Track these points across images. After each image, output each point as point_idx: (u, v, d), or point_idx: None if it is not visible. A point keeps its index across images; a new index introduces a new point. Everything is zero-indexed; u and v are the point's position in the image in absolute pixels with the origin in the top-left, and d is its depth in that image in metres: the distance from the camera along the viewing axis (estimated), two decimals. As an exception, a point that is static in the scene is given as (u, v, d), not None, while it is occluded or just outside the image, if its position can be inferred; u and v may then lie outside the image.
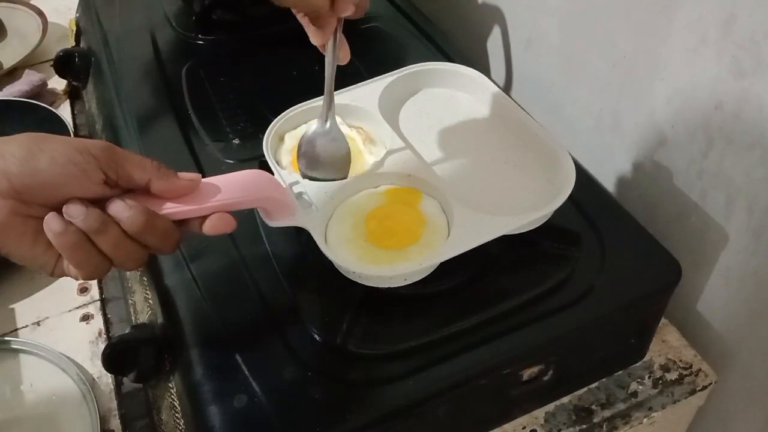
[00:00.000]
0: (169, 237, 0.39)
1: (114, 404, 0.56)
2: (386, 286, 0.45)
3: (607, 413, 0.52)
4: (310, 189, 0.49)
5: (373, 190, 0.51)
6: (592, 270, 0.50)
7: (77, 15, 0.88)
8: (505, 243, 0.47)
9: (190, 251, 0.50)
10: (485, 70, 0.79)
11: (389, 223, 0.49)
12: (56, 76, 0.82)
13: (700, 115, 0.52)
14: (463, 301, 0.47)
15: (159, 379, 0.50)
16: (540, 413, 0.52)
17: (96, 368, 0.58)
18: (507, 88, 0.77)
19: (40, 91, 0.86)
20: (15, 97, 0.83)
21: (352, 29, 0.78)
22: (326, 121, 0.48)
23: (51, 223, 0.37)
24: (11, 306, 0.63)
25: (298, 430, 0.41)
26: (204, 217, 0.40)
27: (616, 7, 0.57)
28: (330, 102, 0.47)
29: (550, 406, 0.52)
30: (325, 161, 0.48)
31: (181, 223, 0.40)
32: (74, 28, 0.88)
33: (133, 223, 0.37)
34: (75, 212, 0.37)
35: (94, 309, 0.63)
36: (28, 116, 0.78)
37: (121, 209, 0.37)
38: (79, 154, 0.36)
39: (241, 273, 0.49)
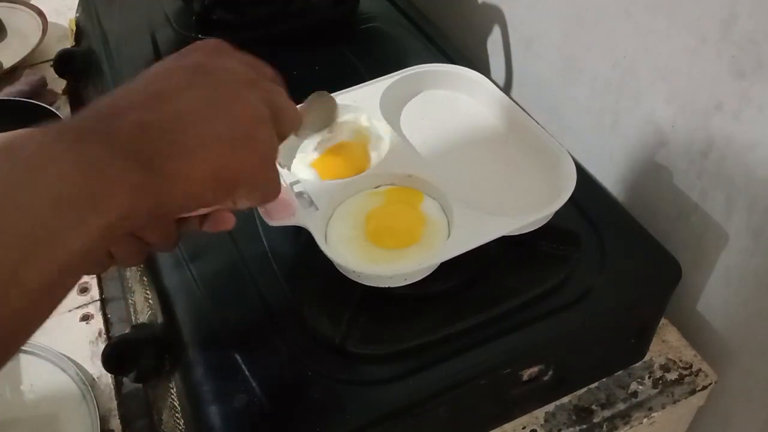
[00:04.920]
0: (168, 235, 0.39)
1: (114, 404, 0.56)
2: (386, 285, 0.45)
3: (607, 413, 0.52)
4: (311, 188, 0.49)
5: (373, 190, 0.51)
6: (592, 270, 0.50)
7: (77, 15, 0.88)
8: (505, 243, 0.47)
9: (190, 251, 0.50)
10: (485, 70, 0.79)
11: (389, 223, 0.49)
12: (56, 76, 0.82)
13: (700, 115, 0.52)
14: (463, 302, 0.47)
15: (159, 379, 0.50)
16: (540, 413, 0.52)
17: (96, 368, 0.58)
18: (507, 88, 0.77)
19: (39, 91, 0.86)
20: (15, 97, 0.83)
21: (352, 29, 0.79)
22: None
23: None
24: (11, 306, 0.63)
25: (298, 430, 0.41)
26: (203, 216, 0.40)
27: (616, 7, 0.57)
28: None
29: (550, 406, 0.52)
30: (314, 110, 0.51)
31: (180, 221, 0.40)
32: (74, 28, 0.88)
33: None
34: None
35: (94, 309, 0.63)
36: (28, 116, 0.78)
37: None
38: None
39: (241, 273, 0.49)
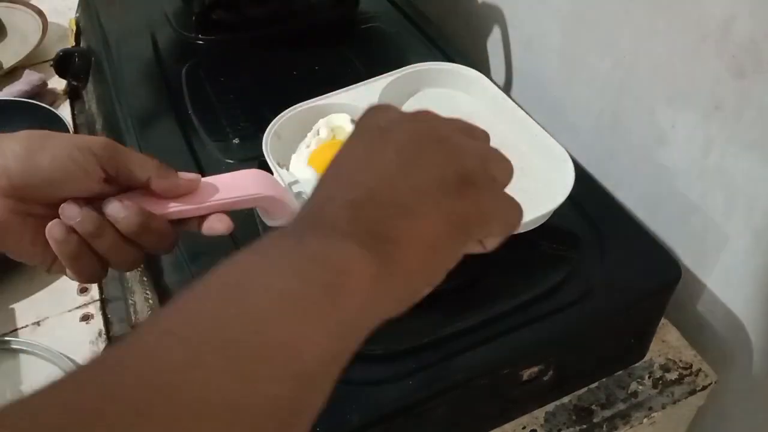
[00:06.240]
0: (165, 238, 0.39)
1: (114, 404, 0.56)
2: (386, 286, 0.45)
3: (607, 413, 0.52)
4: (310, 189, 0.49)
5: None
6: (592, 270, 0.49)
7: (77, 15, 0.88)
8: (505, 243, 0.47)
9: (190, 251, 0.50)
10: (485, 70, 0.79)
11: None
12: (56, 75, 0.82)
13: (700, 115, 0.52)
14: (463, 301, 0.47)
15: (159, 379, 0.50)
16: (540, 413, 0.52)
17: (96, 368, 0.58)
18: (507, 88, 0.77)
19: (40, 91, 0.86)
20: (15, 97, 0.83)
21: (352, 29, 0.79)
22: None
23: (53, 231, 0.37)
24: (11, 306, 0.63)
25: (298, 430, 0.41)
26: (203, 217, 0.40)
27: (616, 7, 0.57)
28: None
29: (550, 406, 0.52)
30: None
31: (179, 222, 0.40)
32: (74, 28, 0.88)
33: (128, 225, 0.37)
34: (70, 213, 0.37)
35: (94, 309, 0.63)
36: (28, 116, 0.78)
37: (117, 210, 0.37)
38: (80, 152, 0.36)
39: (241, 273, 0.49)
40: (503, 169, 0.34)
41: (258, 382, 0.22)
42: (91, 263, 0.38)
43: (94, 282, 0.63)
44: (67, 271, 0.39)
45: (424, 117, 0.33)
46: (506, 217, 0.33)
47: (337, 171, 0.31)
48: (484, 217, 0.31)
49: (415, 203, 0.28)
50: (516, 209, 0.33)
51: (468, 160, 0.31)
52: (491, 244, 0.33)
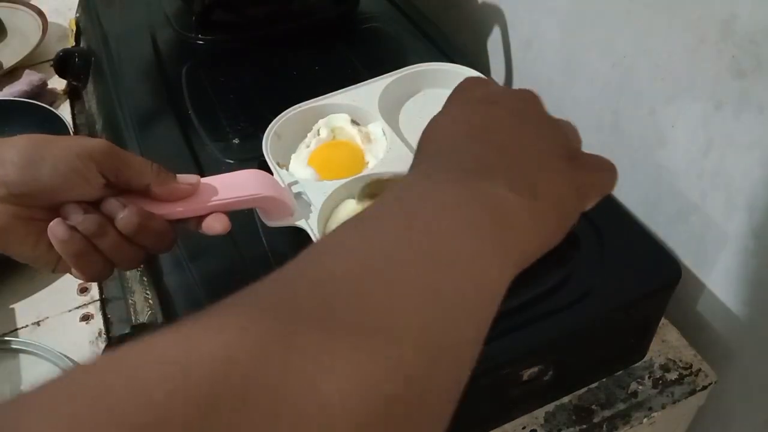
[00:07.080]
0: (164, 237, 0.39)
1: (114, 404, 0.56)
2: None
3: (607, 413, 0.52)
4: (309, 189, 0.49)
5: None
6: (592, 270, 0.49)
7: (77, 15, 0.88)
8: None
9: (190, 251, 0.50)
10: (485, 70, 0.79)
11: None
12: (56, 76, 0.82)
13: (700, 115, 0.52)
14: (463, 301, 0.47)
15: (159, 379, 0.50)
16: (540, 413, 0.52)
17: (96, 368, 0.58)
18: (507, 88, 0.77)
19: (40, 91, 0.86)
20: (15, 97, 0.83)
21: (352, 29, 0.79)
22: None
23: (56, 230, 0.37)
24: (11, 306, 0.63)
25: (297, 430, 0.41)
26: (201, 216, 0.40)
27: (616, 7, 0.57)
28: None
29: (550, 406, 0.52)
30: None
31: (178, 221, 0.40)
32: (74, 28, 0.88)
33: (127, 225, 0.37)
34: (72, 215, 0.37)
35: (94, 309, 0.63)
36: (28, 116, 0.78)
37: (115, 211, 0.37)
38: (80, 160, 0.36)
39: (241, 273, 0.49)
40: (580, 140, 0.37)
41: (458, 273, 0.25)
42: (95, 262, 0.38)
43: (99, 280, 0.63)
44: (72, 270, 0.39)
45: (527, 94, 0.36)
46: (605, 181, 0.37)
47: (450, 134, 0.34)
48: (591, 183, 0.35)
49: (544, 164, 0.32)
50: (613, 172, 0.37)
51: (570, 137, 0.35)
52: (589, 204, 0.37)
